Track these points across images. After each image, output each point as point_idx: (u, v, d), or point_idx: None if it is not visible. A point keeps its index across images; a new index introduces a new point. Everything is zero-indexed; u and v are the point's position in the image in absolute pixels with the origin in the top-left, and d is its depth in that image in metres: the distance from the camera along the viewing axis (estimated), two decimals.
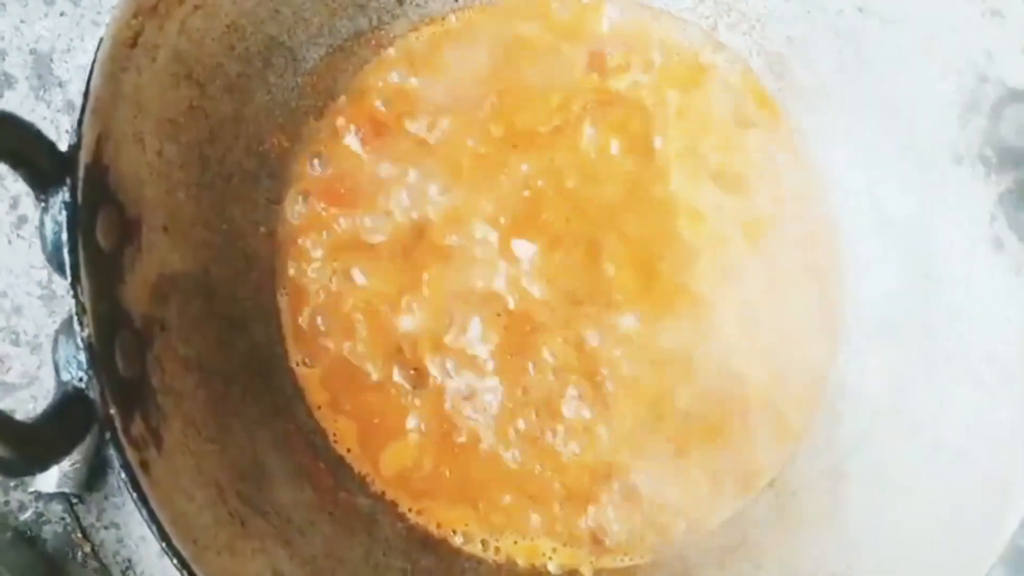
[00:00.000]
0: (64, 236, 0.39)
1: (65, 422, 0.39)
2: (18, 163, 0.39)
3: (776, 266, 0.58)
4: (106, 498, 0.64)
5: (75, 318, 0.39)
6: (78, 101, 0.66)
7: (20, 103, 0.68)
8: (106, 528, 0.65)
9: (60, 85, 0.68)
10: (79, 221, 0.40)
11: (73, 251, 0.39)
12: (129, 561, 0.65)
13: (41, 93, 0.69)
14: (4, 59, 0.68)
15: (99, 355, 0.39)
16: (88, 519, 0.65)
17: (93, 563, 0.65)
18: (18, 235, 0.67)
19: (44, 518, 0.65)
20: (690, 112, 0.58)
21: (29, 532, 0.65)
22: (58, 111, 0.68)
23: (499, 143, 0.58)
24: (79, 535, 0.65)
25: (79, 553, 0.65)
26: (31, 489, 0.64)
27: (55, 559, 0.65)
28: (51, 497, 0.64)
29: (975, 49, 0.48)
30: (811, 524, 0.54)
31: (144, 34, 0.44)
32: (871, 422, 0.55)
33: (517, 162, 0.57)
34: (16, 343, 0.66)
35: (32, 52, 0.69)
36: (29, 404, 0.65)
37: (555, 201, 0.57)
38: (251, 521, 0.47)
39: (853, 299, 0.58)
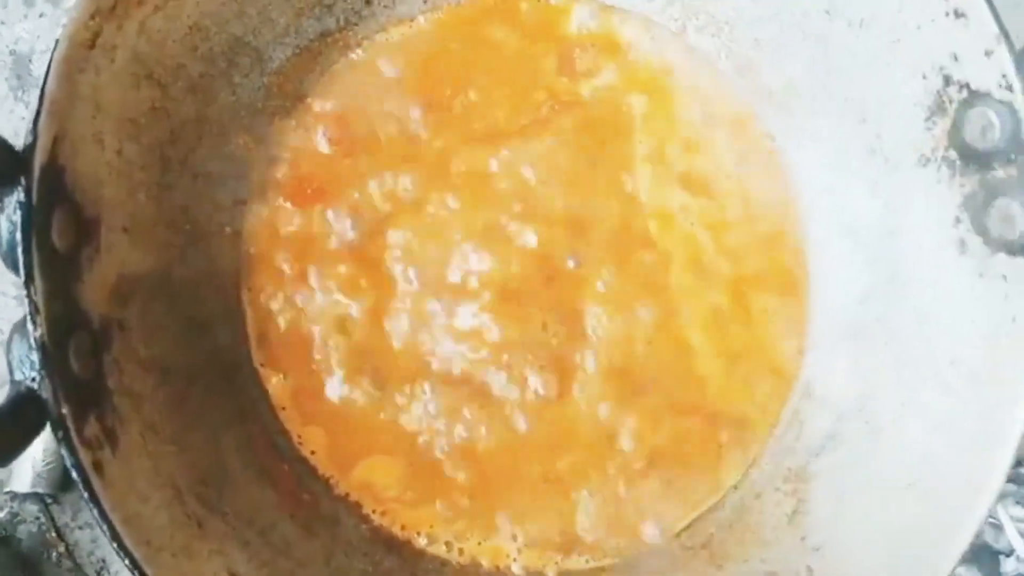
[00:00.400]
0: (18, 236, 0.39)
1: (18, 422, 0.39)
2: None
3: (743, 267, 0.58)
4: (81, 498, 0.64)
5: (28, 318, 0.39)
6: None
7: None
8: (80, 528, 0.65)
9: (38, 87, 0.68)
10: (34, 221, 0.40)
11: (27, 251, 0.39)
12: (103, 561, 0.65)
13: (20, 94, 0.69)
14: None
15: (52, 355, 0.40)
16: (63, 519, 0.65)
17: (67, 563, 0.65)
18: None
19: (19, 518, 0.65)
20: (658, 114, 0.58)
21: (4, 532, 0.65)
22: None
23: (468, 143, 0.58)
24: (54, 535, 0.65)
25: (54, 553, 0.65)
26: (6, 489, 0.64)
27: (30, 559, 0.65)
28: (25, 497, 0.65)
29: (940, 51, 0.48)
30: (775, 526, 0.54)
31: (102, 35, 0.44)
32: (837, 424, 0.55)
33: (486, 163, 0.57)
34: None
35: (12, 53, 0.69)
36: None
37: (524, 202, 0.57)
38: (209, 523, 0.47)
39: (820, 301, 0.58)
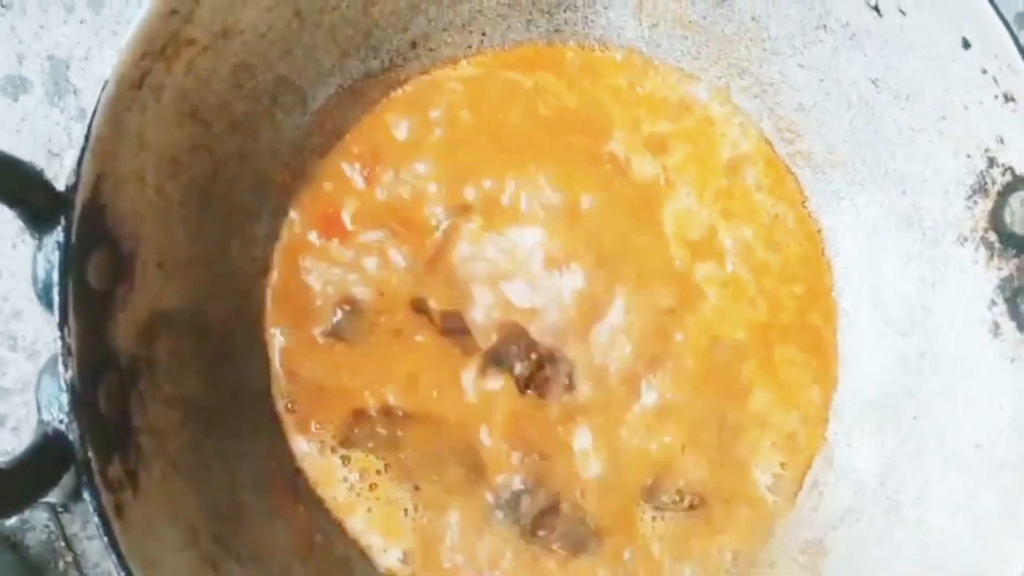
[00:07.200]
0: (55, 276, 0.39)
1: (42, 464, 0.39)
2: (13, 202, 0.39)
3: (777, 325, 0.58)
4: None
5: (60, 359, 0.39)
6: (92, 110, 0.67)
7: (35, 108, 0.68)
8: (89, 539, 0.65)
9: (75, 92, 0.68)
10: (71, 262, 0.40)
11: (63, 293, 0.39)
12: (110, 574, 0.65)
13: (56, 99, 0.69)
14: (21, 63, 0.68)
15: (81, 397, 0.39)
16: (72, 528, 0.65)
17: (74, 573, 0.65)
18: (23, 240, 0.67)
19: (28, 525, 0.65)
20: (698, 170, 0.59)
21: (13, 538, 0.65)
22: (71, 118, 0.68)
23: (505, 187, 0.58)
24: (62, 544, 0.65)
25: (61, 562, 0.65)
26: None
27: (37, 567, 0.65)
28: (36, 505, 0.65)
29: (986, 132, 0.48)
30: None
31: (151, 75, 0.44)
32: (857, 497, 0.55)
33: (522, 210, 0.58)
34: (13, 348, 0.66)
35: (50, 58, 0.69)
36: (22, 410, 0.65)
37: (563, 243, 0.57)
38: (224, 565, 0.47)
39: (847, 369, 0.57)
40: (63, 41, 0.69)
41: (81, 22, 0.69)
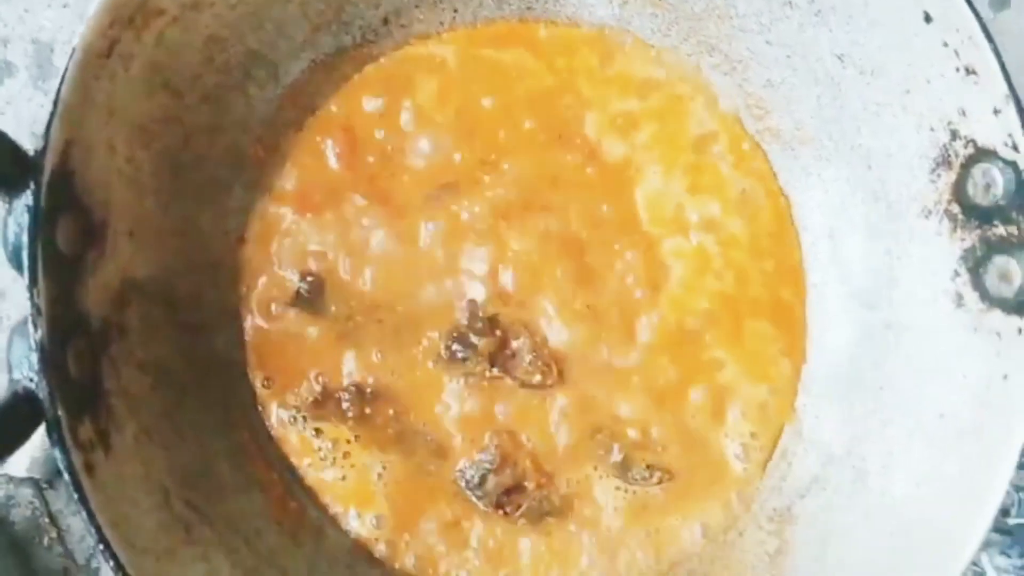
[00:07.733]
0: (24, 239, 0.40)
1: (14, 421, 0.40)
2: None
3: (746, 299, 0.58)
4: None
5: (30, 320, 0.40)
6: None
7: (19, 91, 0.69)
8: (73, 515, 0.66)
9: (59, 77, 0.69)
10: (40, 225, 0.40)
11: (32, 254, 0.40)
12: (94, 549, 0.66)
13: (40, 82, 0.69)
14: (6, 46, 0.69)
15: (51, 357, 0.40)
16: (56, 504, 0.66)
17: (58, 548, 0.65)
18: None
19: (13, 501, 0.66)
20: (668, 147, 0.59)
21: None
22: None
23: (473, 164, 0.58)
24: (47, 520, 0.65)
25: (46, 538, 0.65)
26: (1, 472, 0.64)
27: (22, 542, 0.66)
28: (21, 481, 0.65)
29: (949, 105, 0.48)
30: (755, 564, 0.54)
31: (120, 44, 0.45)
32: (824, 467, 0.55)
33: (485, 187, 0.58)
34: None
35: (34, 41, 0.70)
36: None
37: (530, 216, 0.58)
38: (196, 528, 0.48)
39: (816, 342, 0.58)
40: (47, 25, 0.70)
41: (64, 6, 0.70)
